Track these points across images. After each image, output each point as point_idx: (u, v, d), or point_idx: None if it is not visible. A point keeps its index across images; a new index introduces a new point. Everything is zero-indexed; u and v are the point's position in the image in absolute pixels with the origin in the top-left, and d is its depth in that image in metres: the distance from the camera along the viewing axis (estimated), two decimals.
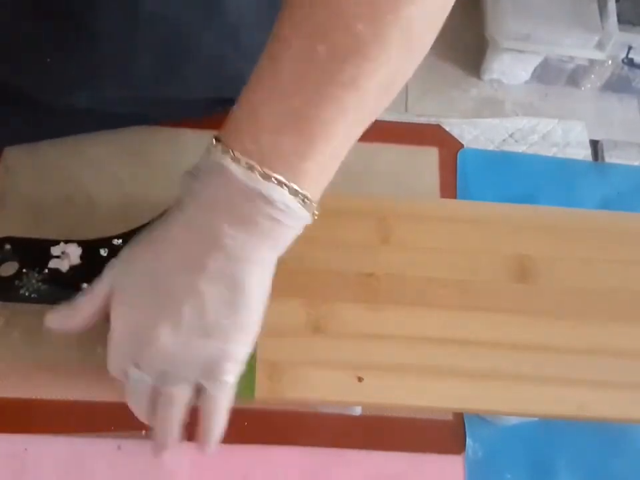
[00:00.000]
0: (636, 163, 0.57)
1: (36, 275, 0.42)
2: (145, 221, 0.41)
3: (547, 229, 0.47)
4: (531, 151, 0.57)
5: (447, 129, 0.57)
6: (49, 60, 0.43)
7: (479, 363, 0.42)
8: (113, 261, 0.37)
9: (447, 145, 0.56)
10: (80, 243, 0.43)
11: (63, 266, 0.42)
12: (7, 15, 0.40)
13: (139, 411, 0.37)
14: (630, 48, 1.50)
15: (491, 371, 0.41)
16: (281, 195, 0.32)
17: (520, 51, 1.54)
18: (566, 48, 1.51)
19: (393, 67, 0.33)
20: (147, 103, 0.50)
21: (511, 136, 0.58)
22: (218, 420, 0.35)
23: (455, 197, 0.53)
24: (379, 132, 0.56)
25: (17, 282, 0.42)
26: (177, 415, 0.35)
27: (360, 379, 0.40)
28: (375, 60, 0.32)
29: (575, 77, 1.63)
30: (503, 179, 0.55)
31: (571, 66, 1.59)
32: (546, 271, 0.45)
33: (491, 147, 0.57)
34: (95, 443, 0.43)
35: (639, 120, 1.64)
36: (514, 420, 0.45)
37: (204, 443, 0.36)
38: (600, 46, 1.49)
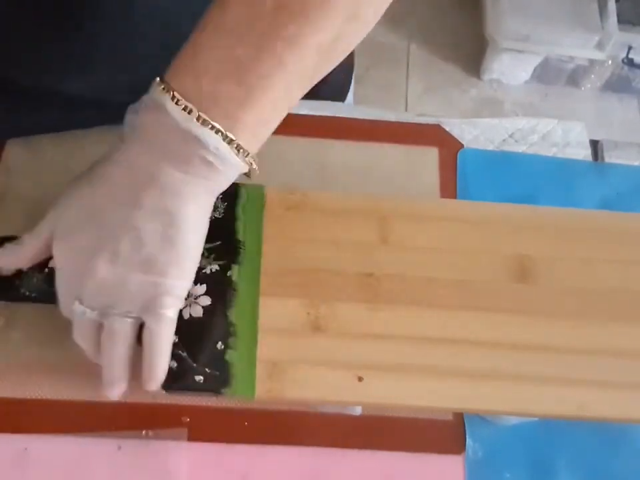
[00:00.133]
0: (636, 163, 0.57)
1: (36, 274, 0.42)
2: None
3: (546, 229, 0.47)
4: (530, 151, 0.57)
5: (447, 129, 0.57)
6: (44, 46, 0.43)
7: (479, 363, 0.42)
8: (56, 199, 0.38)
9: (447, 145, 0.56)
10: None
11: None
12: (3, 5, 0.40)
13: (85, 346, 0.38)
14: (630, 48, 1.50)
15: (491, 370, 0.41)
16: (215, 141, 0.33)
17: (520, 51, 1.54)
18: (566, 48, 1.51)
19: (334, 34, 0.34)
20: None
21: (510, 136, 0.58)
22: (158, 355, 0.36)
23: (455, 197, 0.53)
24: (379, 132, 0.56)
25: (17, 281, 0.42)
26: (120, 350, 0.36)
27: (360, 379, 0.41)
28: (317, 23, 0.33)
29: (574, 77, 1.63)
30: (503, 179, 0.55)
31: (570, 66, 1.59)
32: (546, 271, 0.45)
33: (490, 147, 0.57)
34: (95, 442, 0.43)
35: (638, 120, 1.64)
36: (514, 420, 0.45)
37: (145, 380, 0.37)
38: (600, 46, 1.49)
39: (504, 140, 0.57)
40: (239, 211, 0.45)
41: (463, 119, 0.58)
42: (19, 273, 0.42)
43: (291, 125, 0.56)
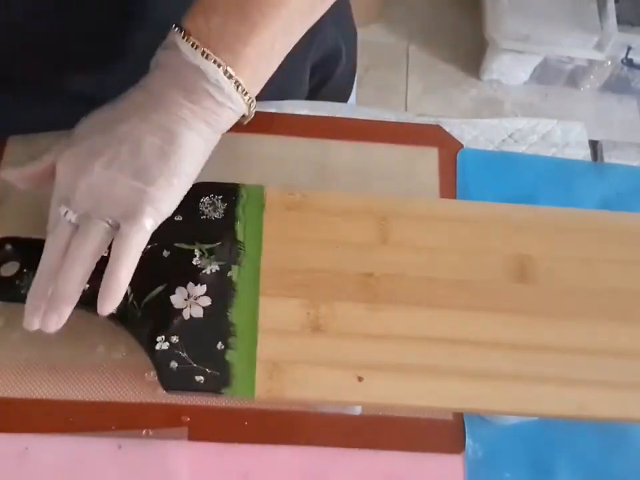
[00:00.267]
0: (635, 164, 0.57)
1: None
2: None
3: (546, 229, 0.47)
4: (530, 151, 0.57)
5: (447, 129, 0.57)
6: (49, 45, 0.45)
7: (478, 363, 0.42)
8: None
9: (447, 145, 0.56)
10: None
11: None
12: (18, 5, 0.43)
13: (51, 250, 0.38)
14: (629, 48, 1.50)
15: (491, 370, 0.41)
16: (215, 73, 0.37)
17: (519, 52, 1.54)
18: (565, 48, 1.51)
19: None
20: None
21: (510, 136, 0.58)
22: (121, 264, 0.37)
23: (455, 197, 0.53)
24: (379, 132, 0.56)
25: (17, 282, 0.42)
26: (85, 250, 0.37)
27: (360, 379, 0.41)
28: None
29: (574, 78, 1.63)
30: (503, 179, 0.55)
31: (570, 66, 1.59)
32: (546, 271, 0.45)
33: (490, 147, 0.57)
34: (95, 442, 0.43)
35: (638, 120, 1.64)
36: (514, 420, 0.46)
37: (101, 296, 0.36)
38: (599, 46, 1.49)
39: (503, 140, 0.57)
40: (239, 211, 0.45)
41: (463, 119, 0.58)
42: (19, 273, 0.42)
43: (291, 125, 0.56)
